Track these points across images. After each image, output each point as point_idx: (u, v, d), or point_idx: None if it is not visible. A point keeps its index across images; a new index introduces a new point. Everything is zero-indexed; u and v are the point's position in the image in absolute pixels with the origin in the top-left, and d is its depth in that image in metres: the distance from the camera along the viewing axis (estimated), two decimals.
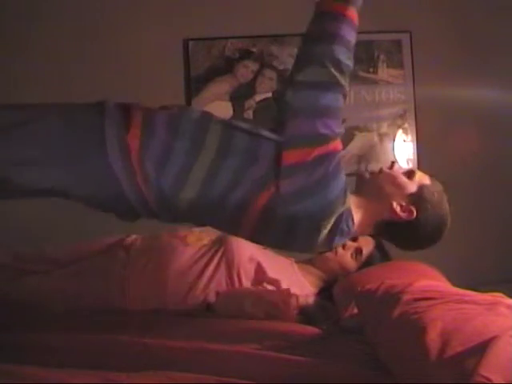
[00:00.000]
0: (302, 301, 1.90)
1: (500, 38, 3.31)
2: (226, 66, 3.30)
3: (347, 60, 1.39)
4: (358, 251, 2.15)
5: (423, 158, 3.26)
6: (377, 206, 1.50)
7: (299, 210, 1.36)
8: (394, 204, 1.49)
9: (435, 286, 1.66)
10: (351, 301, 1.82)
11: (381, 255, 2.17)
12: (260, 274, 2.00)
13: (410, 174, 1.55)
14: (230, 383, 1.34)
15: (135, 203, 1.38)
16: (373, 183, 1.54)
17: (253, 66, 3.31)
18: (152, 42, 3.19)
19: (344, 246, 2.13)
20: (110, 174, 1.34)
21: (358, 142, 3.22)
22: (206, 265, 1.97)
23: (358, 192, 1.53)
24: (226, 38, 3.28)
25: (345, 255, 2.14)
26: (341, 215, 1.39)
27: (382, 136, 3.31)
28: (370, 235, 2.15)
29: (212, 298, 1.92)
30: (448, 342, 1.23)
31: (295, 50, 3.47)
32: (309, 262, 2.18)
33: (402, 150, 3.30)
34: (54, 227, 2.74)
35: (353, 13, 1.41)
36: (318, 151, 1.35)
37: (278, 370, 1.42)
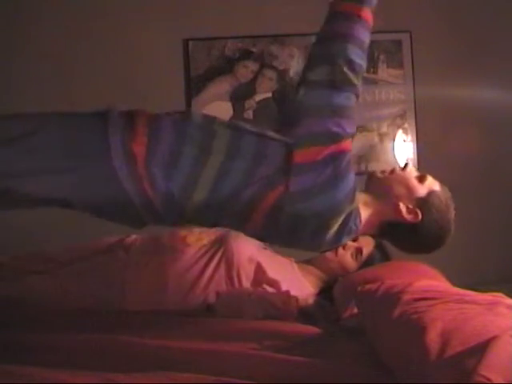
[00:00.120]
0: (301, 302, 1.90)
1: (500, 37, 3.31)
2: (226, 66, 3.30)
3: (360, 60, 1.40)
4: (358, 251, 2.15)
5: (423, 158, 3.26)
6: (383, 206, 1.51)
7: (308, 208, 1.36)
8: (401, 205, 1.50)
9: (435, 286, 1.66)
10: (351, 301, 1.82)
11: (381, 255, 2.17)
12: (260, 274, 2.00)
13: (421, 178, 1.56)
14: (230, 383, 1.34)
15: (141, 208, 1.38)
16: (383, 182, 1.55)
17: (253, 66, 3.31)
18: (152, 41, 3.19)
19: (344, 247, 2.13)
20: (114, 179, 1.34)
21: (357, 142, 3.22)
22: (206, 265, 1.97)
23: (367, 190, 1.54)
24: (226, 38, 3.28)
25: (345, 255, 2.14)
26: (349, 214, 1.40)
27: (381, 136, 3.31)
28: (371, 235, 2.16)
29: (212, 298, 1.92)
30: (448, 341, 1.23)
31: (295, 50, 3.50)
32: (309, 262, 2.17)
33: (402, 149, 3.30)
34: (54, 228, 2.74)
35: (367, 13, 1.42)
36: (329, 150, 1.36)
37: (278, 370, 1.42)
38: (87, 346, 1.54)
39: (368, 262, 2.13)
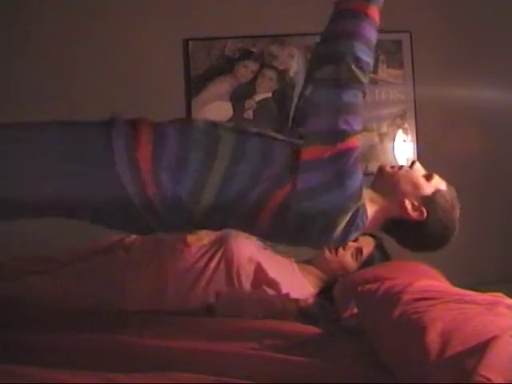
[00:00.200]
0: (301, 303, 1.90)
1: (500, 37, 3.31)
2: (226, 66, 3.30)
3: (367, 58, 1.40)
4: (358, 251, 2.15)
5: (423, 158, 3.25)
6: (389, 203, 1.52)
7: (315, 206, 1.36)
8: (407, 202, 1.51)
9: (435, 286, 1.66)
10: (351, 301, 1.82)
11: (381, 255, 2.17)
12: (260, 274, 2.00)
13: (428, 176, 1.57)
14: (229, 383, 1.34)
15: (146, 214, 1.38)
16: (391, 178, 1.55)
17: (253, 66, 3.31)
18: (152, 41, 3.19)
19: (344, 247, 2.13)
20: (117, 183, 1.34)
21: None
22: (206, 265, 1.97)
23: (374, 185, 1.55)
24: (226, 38, 3.29)
25: (345, 255, 2.14)
26: (357, 211, 1.40)
27: (381, 136, 3.31)
28: (372, 236, 2.16)
29: (212, 298, 1.92)
30: (448, 341, 1.23)
31: (295, 50, 3.49)
32: (309, 262, 2.17)
33: (402, 149, 3.30)
34: (54, 228, 2.74)
35: (374, 11, 1.43)
36: (336, 148, 1.36)
37: (278, 370, 1.42)
38: (87, 346, 1.54)
39: (368, 262, 2.13)
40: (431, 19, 3.28)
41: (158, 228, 1.46)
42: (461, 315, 1.35)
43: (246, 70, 3.31)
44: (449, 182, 1.62)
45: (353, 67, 1.38)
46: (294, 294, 1.93)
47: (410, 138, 3.31)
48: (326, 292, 2.08)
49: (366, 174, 1.44)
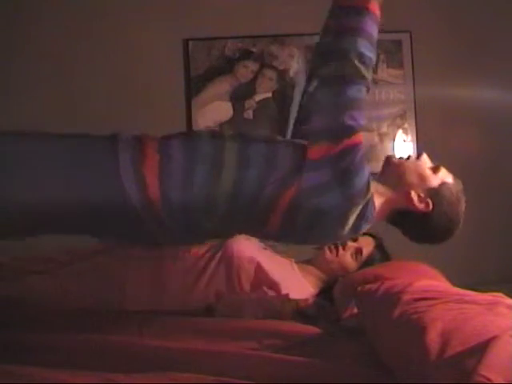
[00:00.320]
0: (301, 305, 1.90)
1: (500, 37, 3.31)
2: (226, 66, 3.30)
3: (370, 53, 1.41)
4: (358, 251, 2.14)
5: None
6: (396, 194, 1.52)
7: (324, 203, 1.37)
8: (413, 193, 1.52)
9: (435, 286, 1.66)
10: (351, 301, 1.82)
11: (381, 255, 2.17)
12: (260, 274, 2.00)
13: (435, 168, 1.58)
14: (229, 383, 1.34)
15: (152, 227, 1.38)
16: (398, 169, 1.56)
17: (253, 66, 3.31)
18: (152, 41, 3.20)
19: (344, 247, 2.13)
20: (123, 195, 1.34)
21: None
22: (206, 265, 1.97)
23: (380, 176, 1.55)
24: (226, 38, 3.29)
25: (345, 255, 2.14)
26: (366, 204, 1.41)
27: (381, 136, 3.31)
28: (371, 235, 2.16)
29: (211, 298, 1.92)
30: (448, 341, 1.23)
31: (295, 50, 3.50)
32: (309, 262, 2.17)
33: (402, 149, 3.30)
34: None
35: (375, 6, 1.43)
36: (343, 144, 1.36)
37: (277, 370, 1.42)
38: (87, 346, 1.54)
39: (368, 262, 2.13)
40: (431, 19, 3.28)
41: (164, 241, 1.47)
42: (461, 315, 1.35)
43: (245, 70, 3.31)
44: None
45: (356, 63, 1.38)
46: (293, 295, 1.93)
47: (409, 137, 3.32)
48: (326, 292, 2.08)
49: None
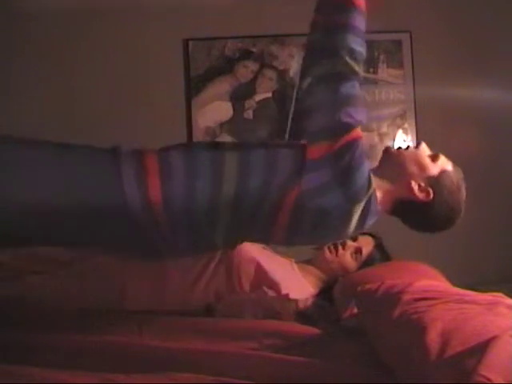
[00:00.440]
0: (301, 305, 1.90)
1: (500, 37, 3.31)
2: (226, 66, 3.30)
3: (360, 47, 1.41)
4: (358, 251, 2.14)
5: None
6: (396, 185, 1.52)
7: (327, 203, 1.37)
8: (413, 183, 1.51)
9: (435, 286, 1.66)
10: (351, 301, 1.82)
11: (381, 255, 2.17)
12: (260, 274, 2.00)
13: (434, 157, 1.57)
14: (229, 383, 1.34)
15: (155, 239, 1.39)
16: (397, 159, 1.56)
17: (253, 66, 3.31)
18: (152, 41, 3.20)
19: (344, 246, 2.13)
20: (125, 210, 1.34)
21: None
22: (206, 265, 1.97)
23: (380, 168, 1.55)
24: (226, 38, 3.29)
25: (344, 255, 2.14)
26: (369, 198, 1.41)
27: (381, 136, 3.31)
28: (370, 235, 2.17)
29: (211, 298, 1.92)
30: (448, 341, 1.23)
31: (295, 50, 3.49)
32: (309, 262, 2.17)
33: None
34: None
35: (360, 0, 1.42)
36: (341, 142, 1.36)
37: (277, 370, 1.42)
38: (87, 346, 1.53)
39: (368, 262, 2.13)
40: (431, 19, 3.28)
41: (167, 251, 1.46)
42: (461, 315, 1.35)
43: (245, 70, 3.31)
44: None
45: (348, 59, 1.38)
46: (293, 295, 1.93)
47: (409, 138, 3.31)
48: (326, 292, 2.08)
49: None
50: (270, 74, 3.31)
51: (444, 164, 1.57)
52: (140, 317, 1.77)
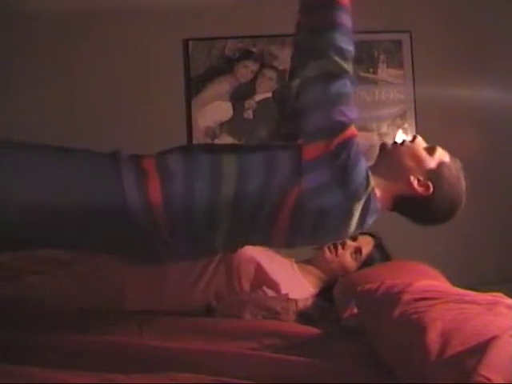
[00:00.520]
0: (301, 305, 1.90)
1: (500, 37, 3.32)
2: (226, 66, 3.30)
3: (349, 45, 1.40)
4: (358, 250, 2.14)
5: None
6: (395, 181, 1.51)
7: (327, 203, 1.37)
8: (412, 178, 1.51)
9: (435, 286, 1.66)
10: (351, 301, 1.82)
11: (380, 255, 2.17)
12: (260, 274, 2.00)
13: (430, 149, 1.56)
14: (229, 383, 1.34)
15: (155, 242, 1.39)
16: (394, 154, 1.55)
17: (253, 66, 3.31)
18: (152, 41, 3.20)
19: (343, 246, 2.13)
20: (126, 213, 1.34)
21: None
22: (206, 265, 1.97)
23: (378, 163, 1.55)
24: (226, 38, 3.29)
25: (344, 255, 2.14)
26: (368, 196, 1.41)
27: (381, 136, 3.31)
28: (370, 235, 2.17)
29: (211, 298, 1.92)
30: (448, 341, 1.23)
31: None
32: (309, 262, 2.17)
33: None
34: None
35: None
36: (337, 141, 1.36)
37: (277, 370, 1.42)
38: (87, 346, 1.53)
39: (368, 262, 2.13)
40: (431, 19, 3.28)
41: (167, 256, 1.46)
42: (461, 315, 1.35)
43: (246, 70, 3.31)
44: None
45: (336, 59, 1.38)
46: (293, 295, 1.93)
47: (409, 137, 3.31)
48: (326, 292, 2.08)
49: None
50: (270, 74, 3.31)
51: (441, 156, 1.56)
52: (140, 317, 1.77)
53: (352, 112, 1.39)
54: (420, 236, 2.67)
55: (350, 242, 2.13)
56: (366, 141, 3.25)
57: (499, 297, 1.53)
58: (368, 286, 1.67)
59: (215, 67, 3.30)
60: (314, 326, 1.74)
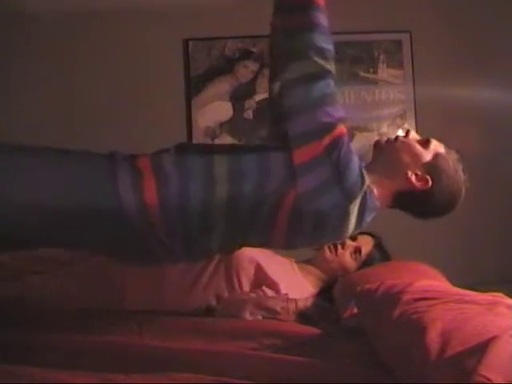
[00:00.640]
0: (300, 305, 1.90)
1: (500, 37, 3.31)
2: (226, 66, 3.30)
3: (328, 45, 1.39)
4: (357, 250, 2.14)
5: None
6: (393, 178, 1.50)
7: (324, 204, 1.37)
8: (409, 173, 1.50)
9: (435, 286, 1.66)
10: (351, 301, 1.82)
11: (380, 255, 2.17)
12: (260, 274, 2.00)
13: (425, 142, 1.55)
14: (229, 383, 1.34)
15: (151, 244, 1.39)
16: (389, 151, 1.54)
17: (253, 66, 3.31)
18: (152, 41, 3.20)
19: (343, 246, 2.13)
20: (121, 214, 1.34)
21: (358, 142, 3.22)
22: (206, 265, 1.97)
23: (374, 161, 1.54)
24: (226, 38, 3.29)
25: (344, 254, 2.14)
26: (364, 194, 1.40)
27: (381, 136, 3.31)
28: (370, 234, 2.16)
29: (211, 299, 1.92)
30: (448, 341, 1.23)
31: None
32: (308, 262, 2.17)
33: None
34: None
35: None
36: (325, 141, 1.35)
37: (277, 370, 1.42)
38: (87, 346, 1.54)
39: (368, 262, 2.13)
40: (431, 19, 3.28)
41: (165, 258, 1.46)
42: (461, 315, 1.35)
43: (245, 70, 3.31)
44: None
45: (317, 59, 1.36)
46: (293, 294, 1.93)
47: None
48: (326, 292, 2.08)
49: None
50: None
51: (436, 147, 1.55)
52: (140, 317, 1.77)
53: (338, 111, 1.38)
54: (420, 236, 2.68)
55: (349, 242, 2.13)
56: (366, 141, 3.26)
57: (499, 297, 1.53)
58: (368, 286, 1.67)
59: (215, 67, 3.30)
60: (313, 326, 1.74)
